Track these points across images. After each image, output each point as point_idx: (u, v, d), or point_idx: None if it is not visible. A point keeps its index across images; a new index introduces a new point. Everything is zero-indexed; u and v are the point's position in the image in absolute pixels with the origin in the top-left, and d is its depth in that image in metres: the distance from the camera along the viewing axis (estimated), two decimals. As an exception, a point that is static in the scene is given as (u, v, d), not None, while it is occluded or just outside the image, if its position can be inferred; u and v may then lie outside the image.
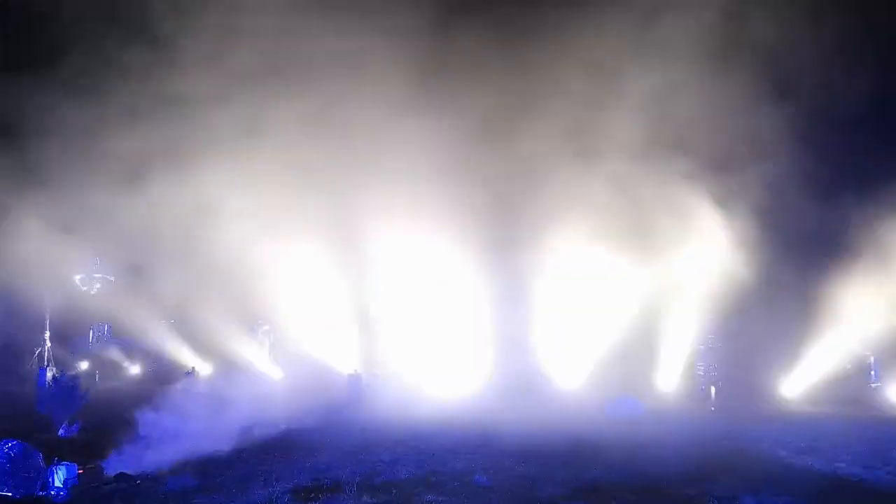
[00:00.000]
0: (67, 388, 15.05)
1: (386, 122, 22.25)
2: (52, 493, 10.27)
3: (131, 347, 26.50)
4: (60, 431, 14.33)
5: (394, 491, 10.49)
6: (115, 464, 11.60)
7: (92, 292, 25.45)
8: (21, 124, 21.65)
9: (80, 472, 10.70)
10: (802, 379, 21.34)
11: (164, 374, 24.84)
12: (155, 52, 21.51)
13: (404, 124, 22.02)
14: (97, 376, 23.39)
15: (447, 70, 22.46)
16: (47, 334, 23.53)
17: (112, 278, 25.71)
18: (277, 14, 22.29)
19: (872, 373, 20.92)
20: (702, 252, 22.38)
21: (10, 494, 10.02)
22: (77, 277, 25.39)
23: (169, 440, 12.70)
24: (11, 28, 22.24)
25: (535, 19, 23.93)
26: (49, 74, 21.42)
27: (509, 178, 23.47)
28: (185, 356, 26.93)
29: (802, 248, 23.46)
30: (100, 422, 15.05)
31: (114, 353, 27.29)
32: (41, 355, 23.20)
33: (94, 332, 26.72)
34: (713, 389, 21.29)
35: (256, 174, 22.11)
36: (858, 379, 21.25)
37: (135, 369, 25.85)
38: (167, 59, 21.32)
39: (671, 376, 22.50)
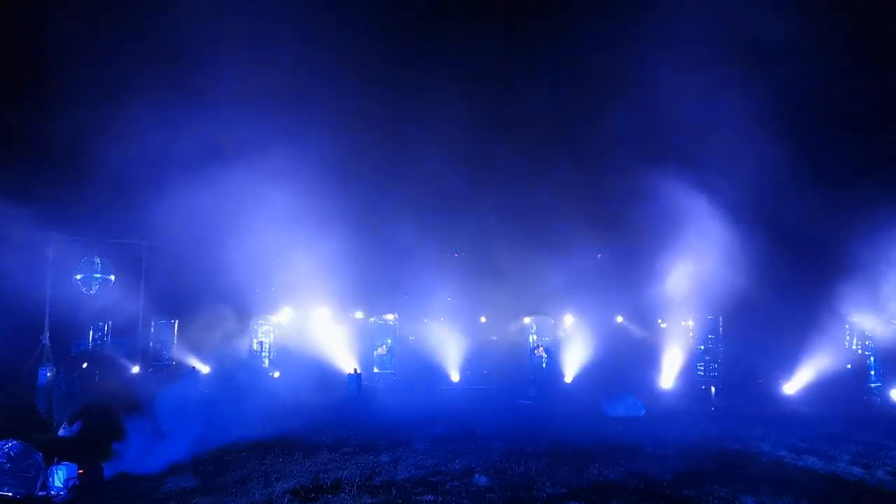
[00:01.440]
0: (67, 387, 15.02)
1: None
2: (52, 493, 10.26)
3: (131, 347, 26.49)
4: (60, 431, 14.32)
5: (394, 491, 10.49)
6: (115, 464, 11.59)
7: (92, 292, 25.44)
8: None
9: (80, 472, 10.68)
10: (802, 379, 21.35)
11: (164, 374, 24.86)
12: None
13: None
14: (97, 376, 23.36)
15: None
16: (46, 334, 23.52)
17: (112, 278, 25.70)
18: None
19: (872, 373, 20.90)
20: (701, 252, 22.38)
21: (10, 494, 10.01)
22: (77, 277, 25.39)
23: (169, 440, 12.69)
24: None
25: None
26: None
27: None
28: (186, 355, 26.95)
29: (802, 248, 23.48)
30: (100, 422, 15.03)
31: (114, 353, 27.29)
32: (40, 355, 23.16)
33: (93, 332, 26.71)
34: (713, 389, 21.29)
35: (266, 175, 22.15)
36: (858, 379, 21.26)
37: (135, 369, 25.80)
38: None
39: (671, 376, 22.51)
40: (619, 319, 35.31)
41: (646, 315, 26.99)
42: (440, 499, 10.12)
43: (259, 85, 22.89)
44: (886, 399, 20.19)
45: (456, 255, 33.95)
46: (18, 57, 22.45)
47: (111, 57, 21.96)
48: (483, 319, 36.43)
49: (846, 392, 20.62)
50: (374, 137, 24.11)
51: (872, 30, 22.13)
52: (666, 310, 24.04)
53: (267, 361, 23.13)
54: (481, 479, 11.12)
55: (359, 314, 32.77)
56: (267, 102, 22.72)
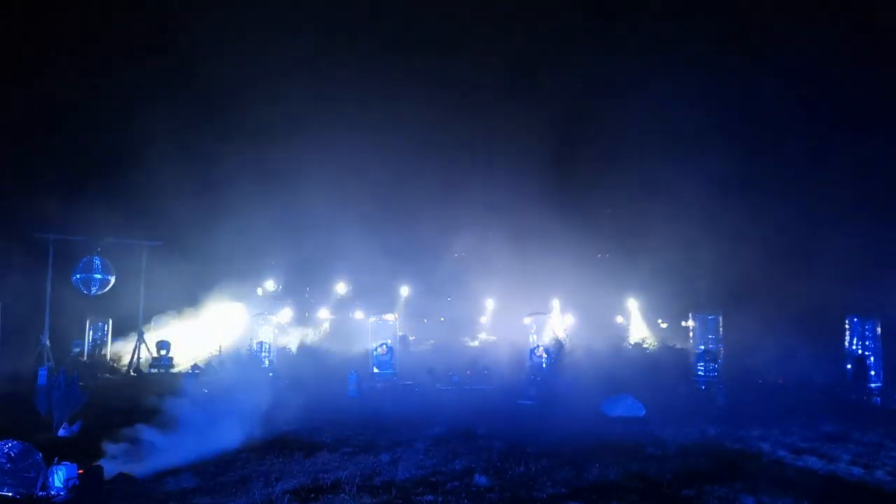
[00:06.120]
0: (67, 387, 14.99)
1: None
2: (52, 493, 10.25)
3: (131, 346, 26.48)
4: (60, 431, 14.31)
5: (394, 491, 10.48)
6: (115, 464, 11.58)
7: (92, 292, 25.43)
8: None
9: (80, 472, 10.68)
10: (802, 379, 21.33)
11: (164, 373, 24.86)
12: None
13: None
14: (97, 375, 23.36)
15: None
16: (46, 334, 23.50)
17: (112, 278, 25.69)
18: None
19: (872, 373, 20.88)
20: (700, 252, 22.40)
21: (10, 494, 10.01)
22: (77, 277, 25.38)
23: (169, 440, 12.67)
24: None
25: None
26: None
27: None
28: (186, 355, 26.97)
29: (802, 248, 23.49)
30: (100, 422, 15.02)
31: (114, 352, 27.31)
32: (40, 355, 23.16)
33: (93, 332, 26.71)
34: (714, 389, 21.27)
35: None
36: (858, 379, 21.22)
37: (135, 368, 25.78)
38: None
39: (671, 376, 22.48)
40: (619, 319, 35.34)
41: (646, 315, 27.00)
42: (440, 499, 10.12)
43: (261, 84, 22.90)
44: (886, 399, 20.16)
45: (456, 255, 34.01)
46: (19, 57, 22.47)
47: (107, 55, 21.98)
48: (483, 320, 36.50)
49: (846, 392, 20.60)
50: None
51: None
52: (666, 309, 24.05)
53: (267, 362, 23.08)
54: (481, 479, 11.12)
55: (359, 314, 32.80)
56: (270, 107, 22.75)
